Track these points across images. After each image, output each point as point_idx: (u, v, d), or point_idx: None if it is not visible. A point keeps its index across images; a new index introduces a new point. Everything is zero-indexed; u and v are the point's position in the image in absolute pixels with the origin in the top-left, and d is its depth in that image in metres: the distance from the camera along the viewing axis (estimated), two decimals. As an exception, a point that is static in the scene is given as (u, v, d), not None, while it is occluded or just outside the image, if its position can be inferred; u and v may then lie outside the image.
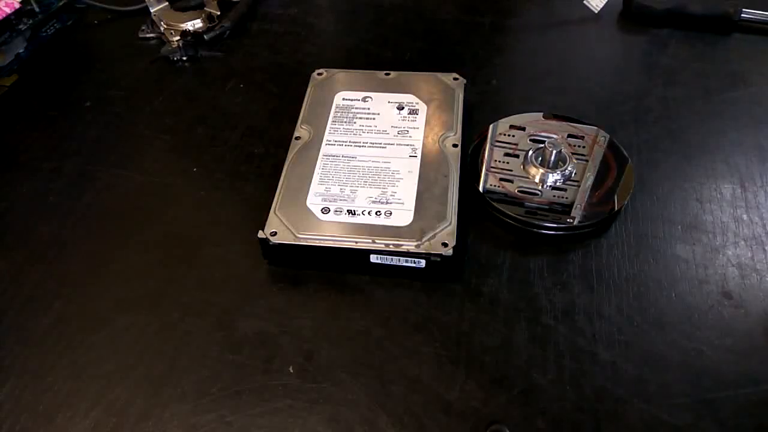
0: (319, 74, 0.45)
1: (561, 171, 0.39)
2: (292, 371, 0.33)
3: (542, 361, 0.33)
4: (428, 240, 0.35)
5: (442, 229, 0.35)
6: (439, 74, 0.44)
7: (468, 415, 0.31)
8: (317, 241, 0.35)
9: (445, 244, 0.34)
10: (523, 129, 0.42)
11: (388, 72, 0.45)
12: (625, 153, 0.41)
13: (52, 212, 0.40)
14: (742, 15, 0.51)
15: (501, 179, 0.40)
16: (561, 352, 0.33)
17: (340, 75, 0.45)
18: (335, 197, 0.37)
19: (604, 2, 0.52)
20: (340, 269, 0.36)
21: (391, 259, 0.35)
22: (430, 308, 0.35)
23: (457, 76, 0.44)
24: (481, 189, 0.39)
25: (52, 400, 0.32)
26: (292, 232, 0.35)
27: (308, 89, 0.44)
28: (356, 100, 0.43)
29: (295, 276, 0.36)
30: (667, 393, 0.31)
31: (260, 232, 0.35)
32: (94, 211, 0.40)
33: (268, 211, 0.36)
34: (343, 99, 0.43)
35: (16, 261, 0.38)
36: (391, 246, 0.35)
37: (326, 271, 0.36)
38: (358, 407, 0.31)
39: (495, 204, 0.38)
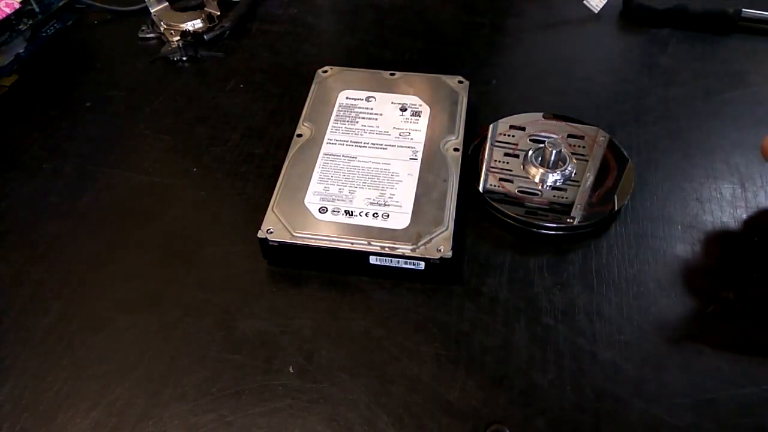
0: (323, 72, 0.45)
1: (561, 171, 0.39)
2: (292, 371, 0.33)
3: (542, 361, 0.33)
4: (424, 244, 0.35)
5: (438, 234, 0.35)
6: (443, 76, 0.44)
7: (468, 415, 0.31)
8: (313, 241, 0.35)
9: (439, 250, 0.34)
10: (523, 129, 0.42)
11: (393, 72, 0.45)
12: (625, 153, 0.41)
13: (52, 212, 0.40)
14: (742, 15, 0.51)
15: (501, 179, 0.40)
16: (561, 352, 0.33)
17: (345, 73, 0.45)
18: (333, 197, 0.37)
19: (604, 2, 0.52)
20: (339, 269, 0.36)
21: (391, 260, 0.35)
22: (430, 308, 0.35)
23: (462, 78, 0.44)
24: (481, 189, 0.39)
25: (52, 400, 0.32)
26: (288, 231, 0.35)
27: (312, 87, 0.44)
28: (360, 99, 0.43)
29: (295, 276, 0.36)
30: (667, 393, 0.31)
31: (260, 231, 0.35)
32: (94, 211, 0.40)
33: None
34: (347, 98, 0.43)
35: (16, 261, 0.38)
36: (386, 249, 0.35)
37: (326, 271, 0.36)
38: (358, 407, 0.31)
39: (495, 204, 0.38)
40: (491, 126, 0.43)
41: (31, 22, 0.51)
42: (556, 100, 0.46)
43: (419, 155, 0.39)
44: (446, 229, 0.35)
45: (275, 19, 0.55)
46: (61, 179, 0.42)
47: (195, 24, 0.52)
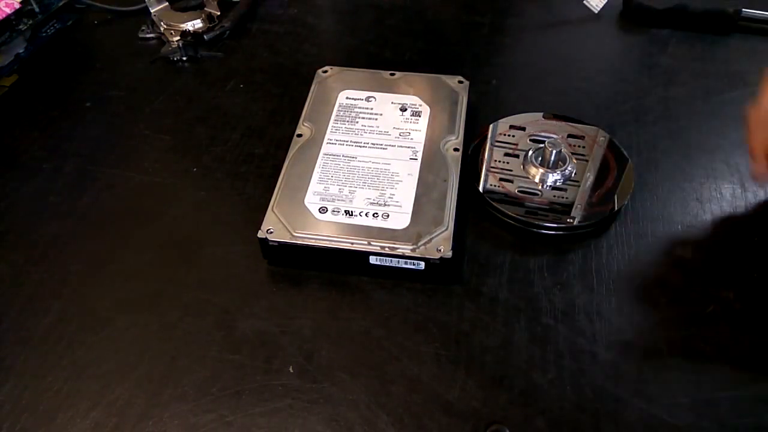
0: (324, 72, 0.45)
1: (561, 171, 0.39)
2: (292, 371, 0.33)
3: (542, 361, 0.33)
4: (424, 244, 0.35)
5: (438, 234, 0.35)
6: (443, 76, 0.44)
7: (468, 415, 0.31)
8: (313, 241, 0.35)
9: (439, 250, 0.34)
10: (523, 129, 0.42)
11: (393, 72, 0.45)
12: (625, 153, 0.41)
13: (52, 212, 0.40)
14: (742, 15, 0.51)
15: (501, 179, 0.40)
16: (561, 352, 0.33)
17: (345, 73, 0.45)
18: (333, 197, 0.37)
19: (604, 2, 0.52)
20: (339, 269, 0.36)
21: (391, 260, 0.35)
22: (430, 308, 0.35)
23: (462, 78, 0.44)
24: (481, 189, 0.39)
25: (52, 400, 0.32)
26: (288, 231, 0.35)
27: (312, 87, 0.44)
28: (360, 99, 0.43)
29: (295, 276, 0.36)
30: (667, 393, 0.31)
31: (260, 231, 0.35)
32: (94, 211, 0.40)
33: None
34: (347, 98, 0.43)
35: (16, 261, 0.38)
36: (386, 249, 0.35)
37: (326, 271, 0.36)
38: (358, 407, 0.31)
39: (495, 204, 0.38)
40: (491, 126, 0.43)
41: (31, 22, 0.51)
42: (556, 100, 0.46)
43: (419, 155, 0.39)
44: (446, 229, 0.35)
45: (275, 19, 0.55)
46: (61, 179, 0.42)
47: (195, 24, 0.52)
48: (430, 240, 0.35)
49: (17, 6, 0.48)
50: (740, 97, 0.46)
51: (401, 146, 0.40)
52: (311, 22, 0.54)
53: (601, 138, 0.42)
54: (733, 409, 0.31)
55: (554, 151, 0.39)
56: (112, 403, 0.32)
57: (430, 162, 0.39)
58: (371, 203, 0.37)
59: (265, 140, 0.44)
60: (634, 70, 0.49)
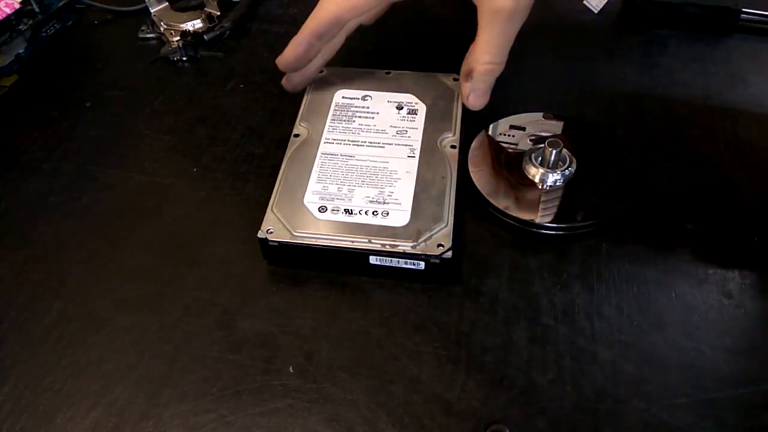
0: (319, 72, 0.45)
1: (561, 171, 0.39)
2: (292, 371, 0.33)
3: (542, 361, 0.33)
4: (424, 241, 0.35)
5: (438, 231, 0.35)
6: (439, 75, 0.44)
7: (468, 415, 0.31)
8: (313, 240, 0.35)
9: (440, 246, 0.34)
10: (523, 129, 0.42)
11: (388, 71, 0.45)
12: (625, 153, 0.41)
13: (52, 212, 0.40)
14: (742, 15, 0.50)
15: (501, 179, 0.40)
16: (561, 352, 0.33)
17: (341, 73, 0.45)
18: (333, 196, 0.37)
19: (604, 2, 0.52)
20: (339, 269, 0.36)
21: (391, 260, 0.35)
22: (430, 308, 0.35)
23: (457, 76, 0.44)
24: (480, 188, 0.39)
25: (52, 400, 0.32)
26: (288, 231, 0.35)
27: (308, 87, 0.44)
28: (356, 98, 0.43)
29: (295, 276, 0.36)
30: (667, 393, 0.31)
31: (260, 231, 0.35)
32: (94, 211, 0.40)
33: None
34: (343, 97, 0.43)
35: (16, 261, 0.38)
36: (387, 246, 0.35)
37: (326, 271, 0.36)
38: (358, 407, 0.31)
39: (495, 203, 0.38)
40: (491, 126, 0.43)
41: (31, 22, 0.51)
42: (556, 100, 0.46)
43: (417, 153, 0.39)
44: (446, 226, 0.35)
45: (275, 19, 0.55)
46: (61, 179, 0.42)
47: (195, 24, 0.52)
48: (430, 237, 0.35)
49: (17, 6, 0.48)
50: (740, 97, 0.46)
51: (398, 144, 0.40)
52: (311, 22, 0.54)
53: (601, 137, 0.42)
54: (733, 409, 0.31)
55: (554, 151, 0.39)
56: (112, 403, 0.32)
57: (428, 159, 0.39)
58: (370, 201, 0.37)
59: (265, 140, 0.44)
60: (634, 70, 0.49)
